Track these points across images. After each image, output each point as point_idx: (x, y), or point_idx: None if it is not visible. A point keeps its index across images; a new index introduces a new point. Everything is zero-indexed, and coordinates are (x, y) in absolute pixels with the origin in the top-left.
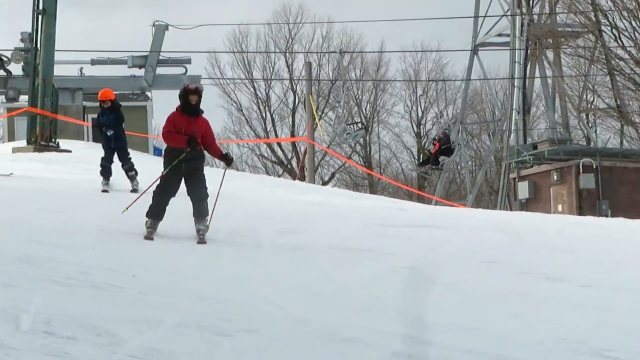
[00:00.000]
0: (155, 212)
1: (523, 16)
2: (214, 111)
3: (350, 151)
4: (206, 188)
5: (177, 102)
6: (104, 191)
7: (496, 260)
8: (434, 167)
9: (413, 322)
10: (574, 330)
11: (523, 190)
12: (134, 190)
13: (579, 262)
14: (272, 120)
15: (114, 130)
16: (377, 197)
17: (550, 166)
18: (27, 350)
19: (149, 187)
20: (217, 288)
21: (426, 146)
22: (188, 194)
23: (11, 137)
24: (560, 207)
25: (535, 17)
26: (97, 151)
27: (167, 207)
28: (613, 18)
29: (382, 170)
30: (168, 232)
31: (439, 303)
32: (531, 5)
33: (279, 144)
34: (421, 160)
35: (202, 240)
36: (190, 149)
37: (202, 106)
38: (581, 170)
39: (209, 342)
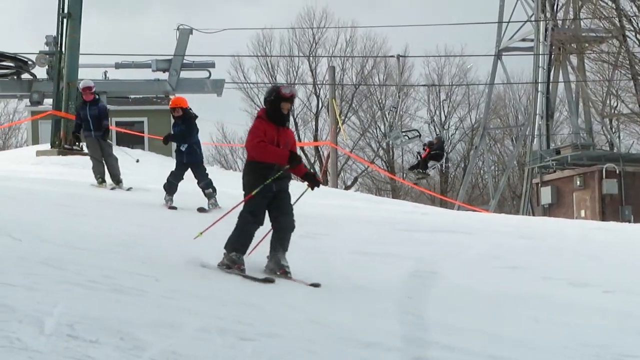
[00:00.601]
0: (243, 244)
1: (547, 21)
2: (238, 115)
3: (373, 155)
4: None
5: (202, 107)
6: (171, 208)
7: (518, 265)
8: (422, 171)
9: (435, 327)
10: (596, 336)
11: (546, 195)
12: (202, 210)
13: (601, 268)
14: (295, 124)
15: (186, 143)
16: (400, 201)
17: (573, 171)
18: (51, 353)
19: (231, 210)
20: (239, 293)
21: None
22: (271, 220)
23: (35, 141)
24: (583, 213)
25: (560, 22)
26: (120, 155)
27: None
28: (637, 23)
29: (404, 175)
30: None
31: (461, 308)
32: (555, 10)
33: (302, 148)
34: (412, 165)
35: (289, 277)
36: (289, 167)
37: (226, 110)
38: (604, 176)
39: (231, 347)
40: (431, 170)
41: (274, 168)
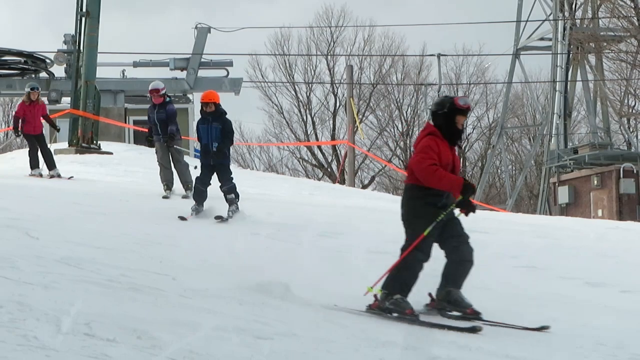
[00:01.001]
0: (408, 285)
1: (565, 20)
2: (255, 114)
3: (390, 155)
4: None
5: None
6: (181, 218)
7: (535, 265)
8: None
9: (452, 326)
10: (613, 336)
11: (563, 194)
12: (219, 218)
13: (619, 267)
14: (313, 123)
15: (216, 142)
16: None
17: (590, 171)
18: (68, 351)
19: (403, 256)
20: (256, 292)
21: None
22: (448, 251)
23: (53, 139)
24: (600, 212)
25: (578, 21)
26: (137, 153)
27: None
28: None
29: None
30: (209, 233)
31: (478, 307)
32: (573, 9)
33: (319, 147)
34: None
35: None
36: (464, 199)
37: (243, 109)
38: (622, 175)
39: (248, 346)
40: None
41: (443, 196)
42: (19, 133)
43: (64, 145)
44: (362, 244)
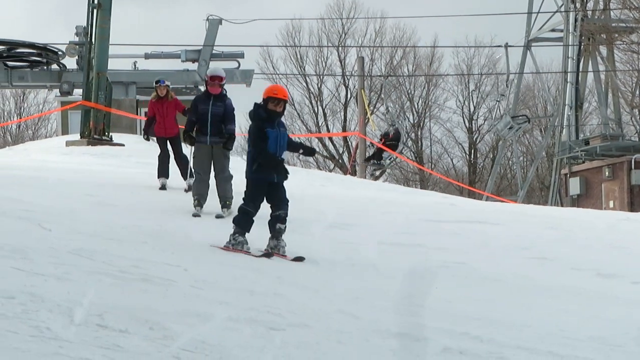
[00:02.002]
0: None
1: (577, 12)
2: None
3: (402, 146)
4: None
5: (231, 97)
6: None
7: (547, 256)
8: (377, 162)
9: (463, 318)
10: (624, 326)
11: (574, 186)
12: (267, 254)
13: (630, 259)
14: (324, 114)
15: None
16: (428, 192)
17: (601, 162)
18: (80, 342)
19: None
20: (267, 283)
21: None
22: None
23: (65, 131)
24: (611, 204)
25: (589, 12)
26: (149, 145)
27: None
28: None
29: (433, 166)
30: (221, 224)
31: (489, 299)
32: (585, 0)
33: (330, 139)
34: (368, 156)
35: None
36: None
37: (255, 101)
38: (633, 166)
39: (259, 336)
40: (386, 161)
41: None
42: (147, 136)
43: (76, 136)
44: (373, 235)
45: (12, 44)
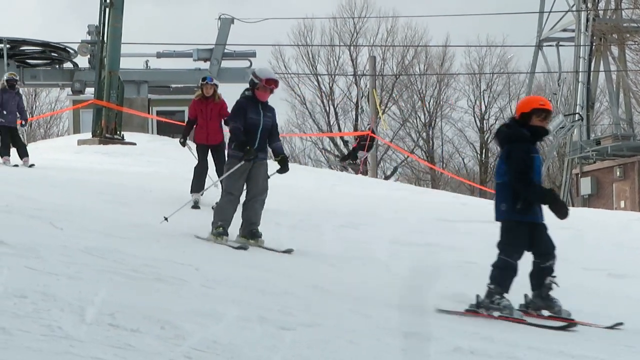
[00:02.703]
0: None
1: (588, 11)
2: (278, 105)
3: (413, 145)
4: None
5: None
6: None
7: (558, 256)
8: (352, 162)
9: (474, 318)
10: (636, 327)
11: (585, 186)
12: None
13: None
14: (336, 114)
15: None
16: (439, 191)
17: (613, 162)
18: (92, 341)
19: None
20: (279, 281)
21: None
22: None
23: (76, 130)
24: (622, 204)
25: (601, 12)
26: (160, 144)
27: None
28: None
29: (444, 165)
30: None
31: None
32: (596, 0)
33: (341, 138)
34: (342, 156)
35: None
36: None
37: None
38: None
39: (271, 336)
40: (361, 160)
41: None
42: (185, 141)
43: (88, 135)
44: (384, 235)
45: (24, 43)
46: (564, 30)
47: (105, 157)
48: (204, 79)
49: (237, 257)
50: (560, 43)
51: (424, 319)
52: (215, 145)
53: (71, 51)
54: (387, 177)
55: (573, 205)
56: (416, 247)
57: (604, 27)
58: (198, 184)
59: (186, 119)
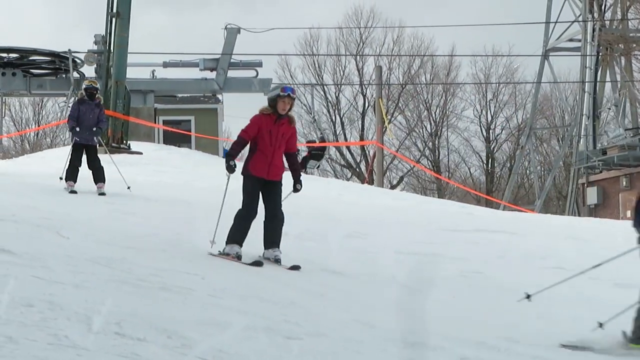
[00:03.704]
0: None
1: (594, 21)
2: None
3: (419, 155)
4: None
5: (249, 106)
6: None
7: (564, 266)
8: (302, 170)
9: (481, 327)
10: None
11: (592, 195)
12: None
13: None
14: (342, 123)
15: None
16: (445, 201)
17: (619, 172)
18: (98, 350)
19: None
20: (284, 291)
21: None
22: None
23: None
24: (629, 213)
25: (607, 22)
26: (167, 153)
27: None
28: None
29: (450, 175)
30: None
31: (507, 309)
32: (603, 10)
33: (348, 148)
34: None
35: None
36: None
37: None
38: None
39: (277, 346)
40: (310, 169)
41: None
42: (234, 166)
43: None
44: (390, 244)
45: (31, 52)
46: (570, 40)
47: (111, 167)
48: (283, 90)
49: (243, 267)
50: (567, 53)
51: (429, 329)
52: (276, 182)
53: (78, 61)
54: (393, 187)
55: (579, 215)
56: (422, 257)
57: (610, 37)
58: (240, 233)
59: (235, 137)
